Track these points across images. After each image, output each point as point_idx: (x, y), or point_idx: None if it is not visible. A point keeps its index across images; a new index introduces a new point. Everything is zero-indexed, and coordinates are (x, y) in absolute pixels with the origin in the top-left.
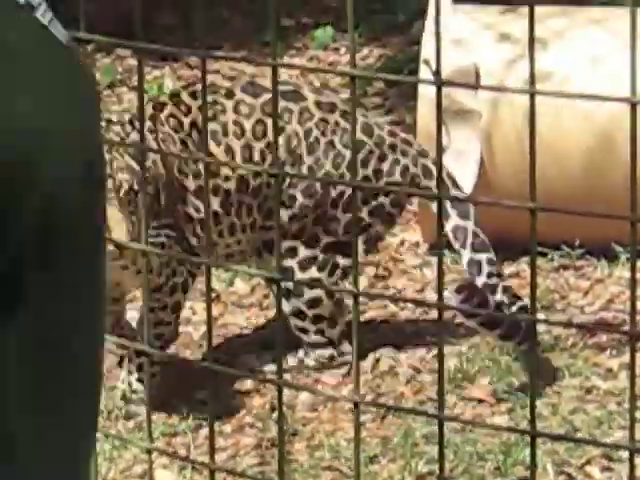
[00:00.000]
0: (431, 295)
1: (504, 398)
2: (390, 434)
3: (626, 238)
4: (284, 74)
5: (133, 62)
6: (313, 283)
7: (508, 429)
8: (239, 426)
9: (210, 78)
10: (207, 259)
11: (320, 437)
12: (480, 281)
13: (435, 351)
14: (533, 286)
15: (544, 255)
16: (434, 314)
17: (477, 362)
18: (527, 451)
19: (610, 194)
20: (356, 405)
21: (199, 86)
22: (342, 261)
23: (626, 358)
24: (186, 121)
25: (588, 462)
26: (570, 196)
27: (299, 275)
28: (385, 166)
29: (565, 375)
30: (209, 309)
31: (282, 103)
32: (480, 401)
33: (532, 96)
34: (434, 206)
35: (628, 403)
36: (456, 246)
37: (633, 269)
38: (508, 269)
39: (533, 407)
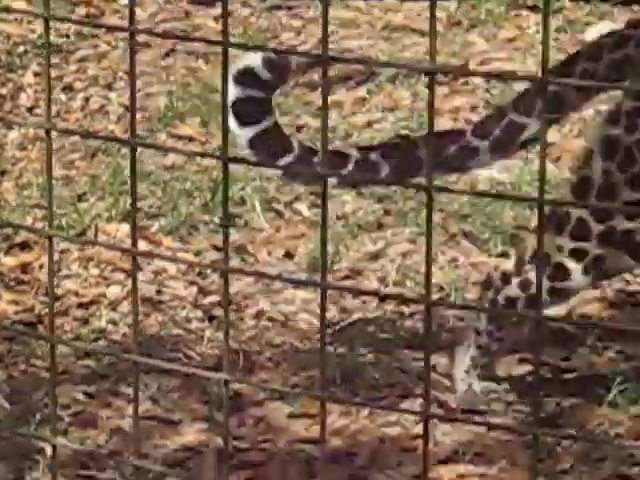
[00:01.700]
0: None
1: (214, 134)
2: (99, 172)
3: None
4: None
5: None
6: None
7: (200, 154)
8: None
9: None
10: None
11: (29, 176)
12: None
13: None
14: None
15: None
16: None
17: (188, 100)
18: (235, 188)
19: None
20: (47, 132)
21: None
22: None
23: (336, 96)
24: None
25: (297, 199)
26: None
27: None
28: None
29: (276, 113)
30: None
31: None
32: (191, 139)
33: None
34: None
35: (339, 141)
36: None
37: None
38: None
39: (226, 138)
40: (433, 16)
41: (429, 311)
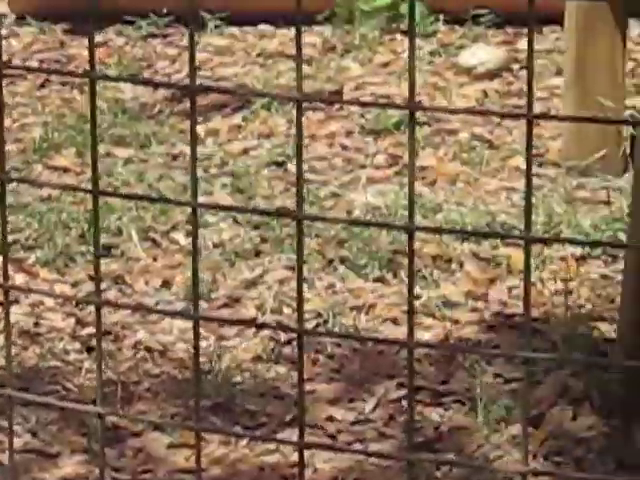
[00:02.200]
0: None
1: (90, 165)
2: None
3: (218, 4)
4: None
5: None
6: None
7: (71, 188)
8: None
9: None
10: None
11: None
12: None
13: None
14: None
15: (131, 23)
16: None
17: (63, 131)
18: (112, 218)
19: None
20: None
21: None
22: None
23: (212, 124)
24: None
25: (173, 228)
26: None
27: None
28: None
29: (152, 142)
30: None
31: None
32: (66, 170)
33: None
34: None
35: (215, 168)
36: None
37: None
38: None
39: (95, 173)
40: (299, 47)
41: (301, 340)
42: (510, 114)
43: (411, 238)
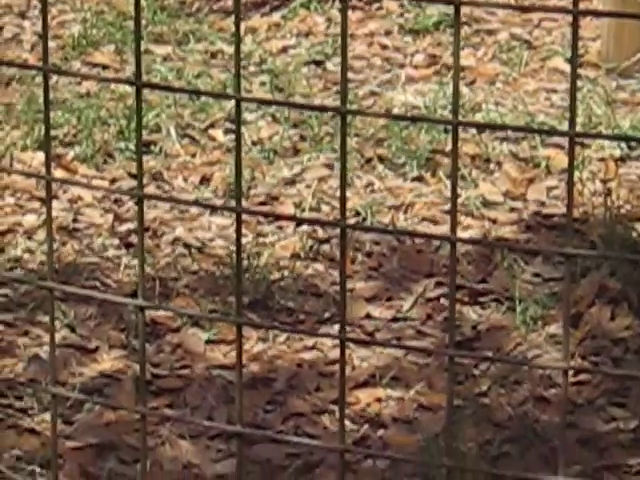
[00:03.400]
0: None
1: (128, 61)
2: (14, 101)
3: None
4: None
5: None
6: None
7: (114, 81)
8: None
9: None
10: None
11: None
12: None
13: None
14: None
15: None
16: None
17: (102, 28)
18: (150, 115)
19: None
20: None
21: None
22: None
23: (251, 22)
24: None
25: (212, 125)
26: None
27: None
28: None
29: (190, 40)
30: None
31: None
32: (105, 67)
33: None
34: None
35: (254, 66)
36: None
37: None
38: None
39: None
40: None
41: (344, 234)
42: (556, 8)
43: (455, 133)
